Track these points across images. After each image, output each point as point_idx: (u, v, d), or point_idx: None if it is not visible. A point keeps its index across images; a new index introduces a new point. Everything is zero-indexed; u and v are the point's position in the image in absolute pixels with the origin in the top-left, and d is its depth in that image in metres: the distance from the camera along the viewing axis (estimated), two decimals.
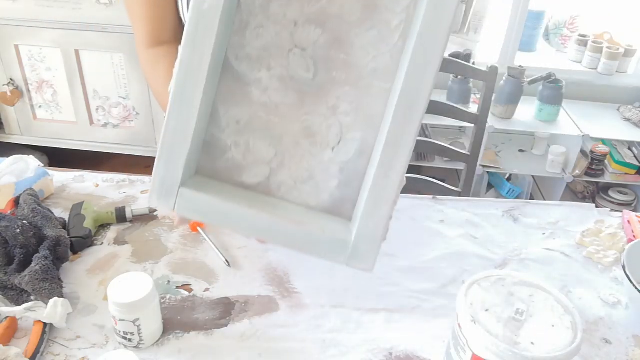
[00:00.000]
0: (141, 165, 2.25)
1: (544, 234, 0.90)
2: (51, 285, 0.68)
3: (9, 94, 2.12)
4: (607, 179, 2.20)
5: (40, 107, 2.20)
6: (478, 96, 2.14)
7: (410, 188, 1.33)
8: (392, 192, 0.58)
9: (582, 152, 2.13)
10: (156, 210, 0.88)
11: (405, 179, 0.59)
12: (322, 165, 0.62)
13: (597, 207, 0.97)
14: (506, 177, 2.39)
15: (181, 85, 0.55)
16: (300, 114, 0.60)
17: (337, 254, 0.59)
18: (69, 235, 0.77)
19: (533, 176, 2.32)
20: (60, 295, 0.69)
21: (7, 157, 0.90)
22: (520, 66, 2.06)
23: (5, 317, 0.65)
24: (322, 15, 0.58)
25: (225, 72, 0.58)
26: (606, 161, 2.19)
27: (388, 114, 0.58)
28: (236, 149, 0.60)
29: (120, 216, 0.84)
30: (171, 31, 0.88)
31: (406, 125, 0.56)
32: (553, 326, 0.55)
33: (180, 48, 0.55)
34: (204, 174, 0.61)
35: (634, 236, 0.88)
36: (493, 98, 1.76)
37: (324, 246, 0.59)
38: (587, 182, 2.33)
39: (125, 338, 0.64)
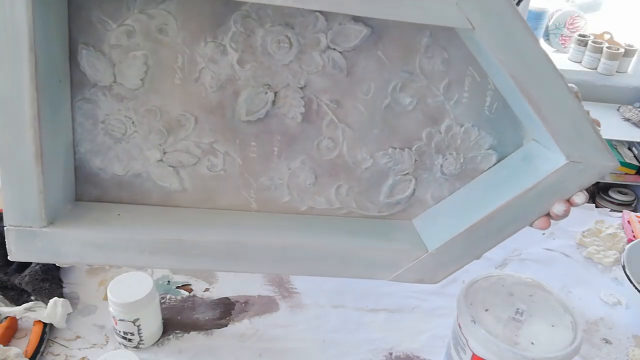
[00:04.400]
0: None
1: (544, 234, 0.90)
2: (51, 285, 0.68)
3: None
4: (607, 179, 2.19)
5: None
6: None
7: None
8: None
9: None
10: None
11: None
12: (137, 152, 0.51)
13: (597, 207, 0.97)
14: None
15: None
16: (194, 109, 0.49)
17: (18, 214, 0.46)
18: None
19: None
20: (60, 295, 0.69)
21: None
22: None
23: (5, 317, 0.65)
24: (319, 115, 0.51)
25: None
26: None
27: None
28: (123, 35, 0.46)
29: None
30: None
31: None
32: (553, 326, 0.55)
33: None
34: None
35: (634, 236, 0.88)
36: None
37: (23, 187, 0.46)
38: None
39: (125, 338, 0.64)
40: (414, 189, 0.54)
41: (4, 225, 0.46)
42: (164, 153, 0.50)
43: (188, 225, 0.50)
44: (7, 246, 0.47)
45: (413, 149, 0.53)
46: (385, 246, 0.51)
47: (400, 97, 0.51)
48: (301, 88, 0.49)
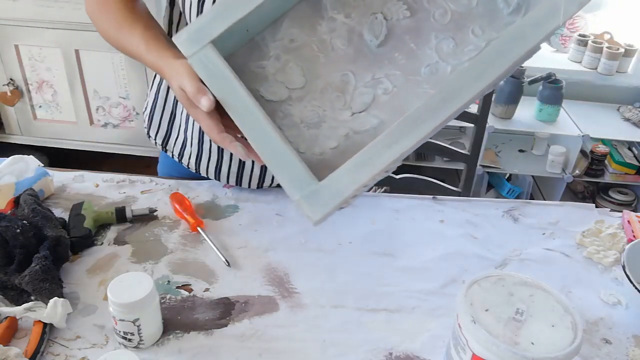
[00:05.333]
0: (141, 165, 2.25)
1: (544, 234, 0.90)
2: (51, 285, 0.68)
3: (9, 94, 2.12)
4: (607, 179, 2.20)
5: (40, 107, 2.20)
6: None
7: (410, 188, 1.33)
8: (382, 164, 0.57)
9: (582, 152, 2.13)
10: (156, 210, 0.88)
11: (395, 167, 0.62)
12: (334, 122, 0.64)
13: (597, 207, 0.97)
14: (506, 177, 2.39)
15: None
16: (346, 68, 0.65)
17: (295, 188, 0.58)
18: (69, 235, 0.77)
19: (533, 176, 2.32)
20: (60, 295, 0.69)
21: (7, 157, 0.90)
22: (520, 66, 2.06)
23: (5, 317, 0.65)
24: (417, 3, 0.64)
25: None
26: (606, 161, 2.19)
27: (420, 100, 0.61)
28: (274, 62, 0.64)
29: (120, 216, 0.84)
30: None
31: (437, 108, 0.58)
32: (553, 326, 0.55)
33: None
34: (230, 63, 0.61)
35: (634, 236, 0.88)
36: (493, 98, 1.76)
37: (289, 173, 0.58)
38: (587, 182, 2.33)
39: (125, 338, 0.64)
40: None
41: (292, 197, 0.57)
42: (350, 107, 0.63)
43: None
44: (306, 215, 0.58)
45: None
46: None
47: None
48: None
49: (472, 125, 1.38)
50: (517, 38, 0.57)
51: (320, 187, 0.57)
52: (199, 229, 0.83)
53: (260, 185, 0.94)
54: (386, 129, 0.60)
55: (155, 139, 0.99)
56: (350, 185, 0.57)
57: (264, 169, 0.92)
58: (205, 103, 0.60)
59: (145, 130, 1.01)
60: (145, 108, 1.00)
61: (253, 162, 0.91)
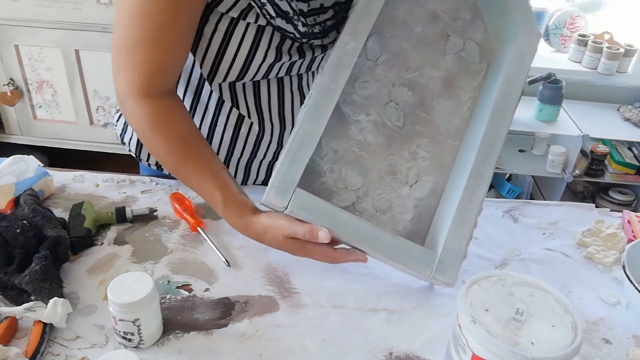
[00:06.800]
0: None
1: (544, 234, 0.90)
2: (51, 285, 0.68)
3: (9, 94, 2.12)
4: (607, 179, 2.19)
5: (40, 107, 2.20)
6: None
7: None
8: (474, 215, 0.69)
9: (582, 152, 2.13)
10: (156, 210, 0.88)
11: (483, 206, 0.70)
12: (400, 199, 0.73)
13: (597, 207, 0.97)
14: (506, 177, 2.39)
15: (316, 102, 0.67)
16: (387, 154, 0.73)
17: (425, 267, 0.67)
18: (69, 235, 0.77)
19: (533, 176, 2.32)
20: (60, 295, 0.69)
21: (7, 157, 0.90)
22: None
23: (5, 317, 0.65)
24: (413, 82, 0.75)
25: (333, 112, 0.69)
26: (606, 161, 2.18)
27: (471, 151, 0.71)
28: (330, 174, 0.72)
29: (120, 216, 0.84)
30: (175, 79, 0.78)
31: (487, 160, 0.70)
32: (553, 326, 0.55)
33: (319, 75, 0.68)
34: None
35: (634, 236, 0.88)
36: None
37: (414, 258, 0.67)
38: (587, 182, 2.33)
39: (125, 338, 0.64)
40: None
41: None
42: (406, 182, 0.74)
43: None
44: (443, 283, 0.70)
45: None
46: None
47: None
48: (398, 86, 0.76)
49: None
50: (508, 85, 0.71)
51: (442, 256, 0.67)
52: (199, 229, 0.83)
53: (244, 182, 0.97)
54: (441, 187, 0.73)
55: (129, 146, 0.97)
56: (461, 243, 0.68)
57: (246, 169, 0.95)
58: (324, 234, 0.65)
59: (119, 136, 0.98)
60: (118, 111, 0.97)
61: (238, 166, 0.94)
